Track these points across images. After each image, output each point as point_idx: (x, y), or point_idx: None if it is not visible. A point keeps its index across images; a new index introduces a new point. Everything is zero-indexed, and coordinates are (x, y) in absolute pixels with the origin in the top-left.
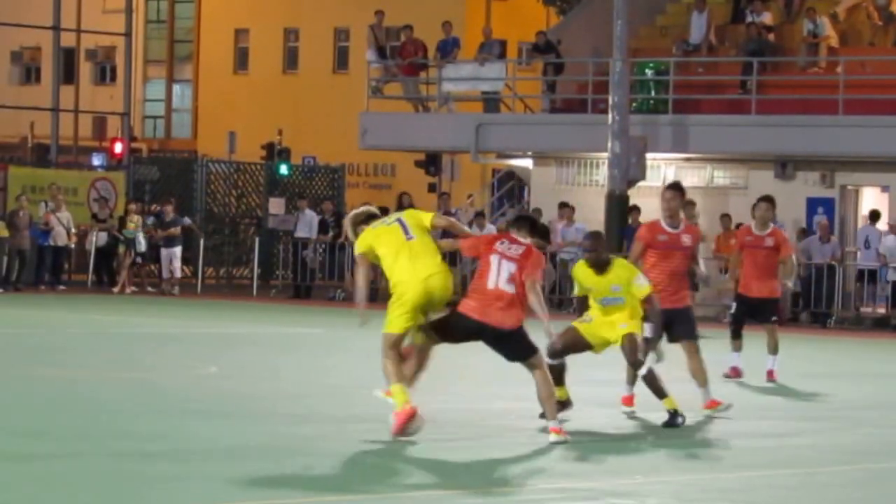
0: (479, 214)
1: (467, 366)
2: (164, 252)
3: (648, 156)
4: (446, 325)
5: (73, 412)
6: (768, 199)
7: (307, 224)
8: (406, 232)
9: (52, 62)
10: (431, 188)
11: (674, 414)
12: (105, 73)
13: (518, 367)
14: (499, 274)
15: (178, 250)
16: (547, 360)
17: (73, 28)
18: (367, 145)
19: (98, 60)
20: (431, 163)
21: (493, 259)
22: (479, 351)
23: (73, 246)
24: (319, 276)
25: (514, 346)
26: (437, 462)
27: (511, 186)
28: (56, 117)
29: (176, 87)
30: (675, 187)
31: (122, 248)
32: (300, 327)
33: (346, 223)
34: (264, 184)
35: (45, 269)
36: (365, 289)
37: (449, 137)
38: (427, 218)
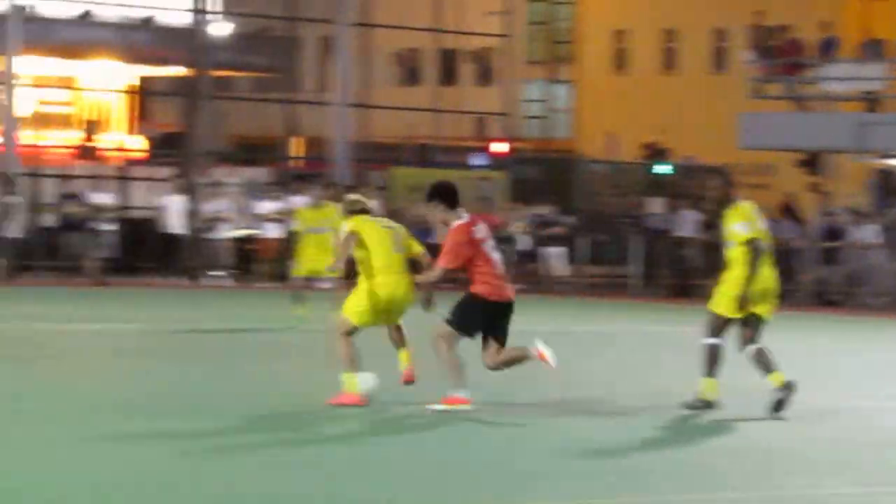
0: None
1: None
2: (545, 251)
3: None
4: (469, 320)
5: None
6: None
7: (687, 223)
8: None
9: (433, 64)
10: (812, 188)
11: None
12: (485, 74)
13: None
14: (496, 256)
15: (559, 249)
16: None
17: (453, 30)
18: (746, 145)
19: (478, 61)
20: (813, 163)
21: (486, 247)
22: None
23: None
24: (699, 275)
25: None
26: None
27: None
28: (438, 118)
29: (555, 88)
30: None
31: (502, 247)
32: (682, 325)
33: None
34: (644, 183)
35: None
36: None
37: (829, 137)
38: (415, 247)
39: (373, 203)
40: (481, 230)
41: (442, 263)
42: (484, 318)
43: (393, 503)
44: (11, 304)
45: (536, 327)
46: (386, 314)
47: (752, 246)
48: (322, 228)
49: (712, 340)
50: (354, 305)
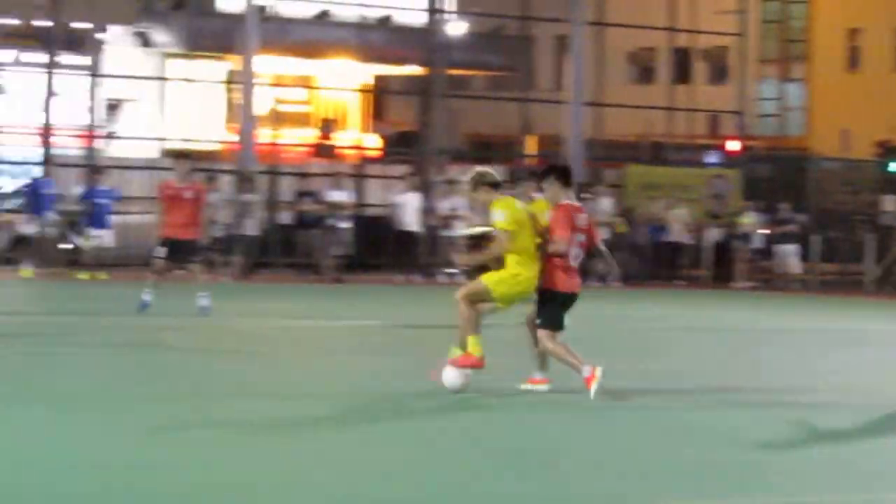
0: None
1: None
2: (779, 249)
3: None
4: (555, 315)
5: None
6: None
7: None
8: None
9: (667, 62)
10: None
11: None
12: (719, 73)
13: None
14: (576, 250)
15: (793, 247)
16: None
17: (687, 29)
18: None
19: (712, 60)
20: None
21: (574, 237)
22: None
23: (689, 242)
24: None
25: None
26: None
27: None
28: (671, 116)
29: (789, 86)
30: None
31: (736, 245)
32: None
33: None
34: (878, 181)
35: (661, 265)
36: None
37: None
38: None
39: (606, 201)
40: (582, 219)
41: (562, 234)
42: (562, 308)
43: (622, 498)
44: (249, 300)
45: (767, 324)
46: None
47: None
48: None
49: None
50: (505, 287)
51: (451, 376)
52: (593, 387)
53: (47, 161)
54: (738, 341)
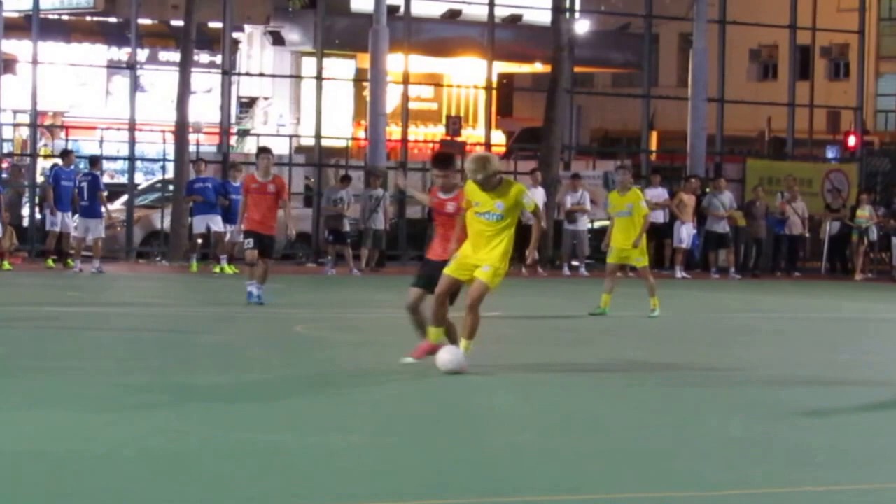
0: None
1: None
2: (895, 240)
3: None
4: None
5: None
6: None
7: None
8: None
9: (788, 59)
10: None
11: None
12: (839, 69)
13: None
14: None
15: None
16: None
17: (808, 27)
18: None
19: (832, 57)
20: None
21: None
22: None
23: (807, 234)
24: None
25: None
26: None
27: None
28: (792, 112)
29: None
30: None
31: (854, 237)
32: None
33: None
34: None
35: (781, 257)
36: None
37: None
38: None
39: (727, 194)
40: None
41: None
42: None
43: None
44: (372, 292)
45: (884, 315)
46: None
47: None
48: (625, 212)
49: None
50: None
51: (444, 359)
52: (410, 360)
53: (182, 158)
54: (850, 329)
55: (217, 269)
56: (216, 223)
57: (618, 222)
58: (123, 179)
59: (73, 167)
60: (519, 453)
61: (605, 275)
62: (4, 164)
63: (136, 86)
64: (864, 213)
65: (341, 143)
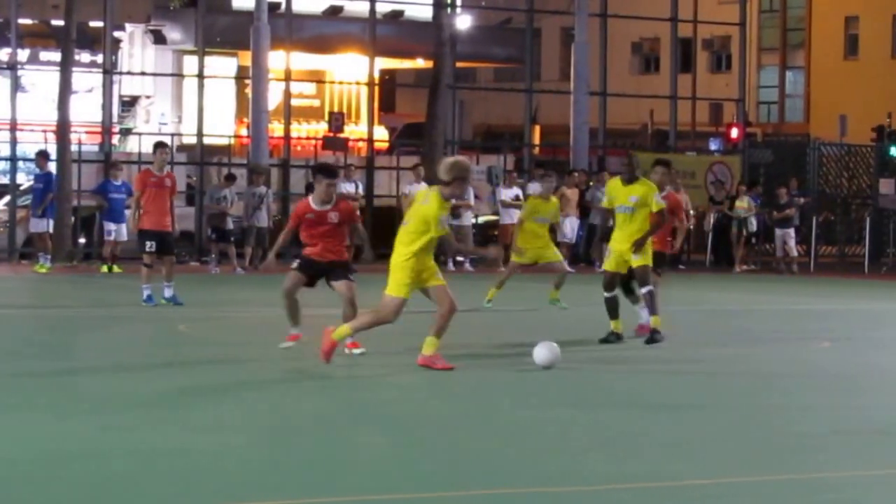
0: None
1: None
2: (778, 232)
3: None
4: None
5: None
6: None
7: None
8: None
9: (670, 52)
10: None
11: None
12: (721, 62)
13: None
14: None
15: (791, 231)
16: None
17: (689, 19)
18: None
19: (714, 49)
20: None
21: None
22: None
23: (691, 227)
24: None
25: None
26: None
27: None
28: (674, 104)
29: (788, 74)
30: None
31: (734, 229)
32: None
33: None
34: (874, 165)
35: None
36: None
37: None
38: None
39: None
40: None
41: None
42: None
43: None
44: (256, 290)
45: (767, 306)
46: None
47: None
48: (544, 219)
49: None
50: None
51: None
52: (289, 344)
53: (64, 158)
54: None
55: (105, 269)
56: (121, 233)
57: (534, 227)
58: (5, 180)
59: None
60: (399, 451)
61: (492, 270)
62: None
63: (16, 86)
64: (743, 204)
65: (224, 142)
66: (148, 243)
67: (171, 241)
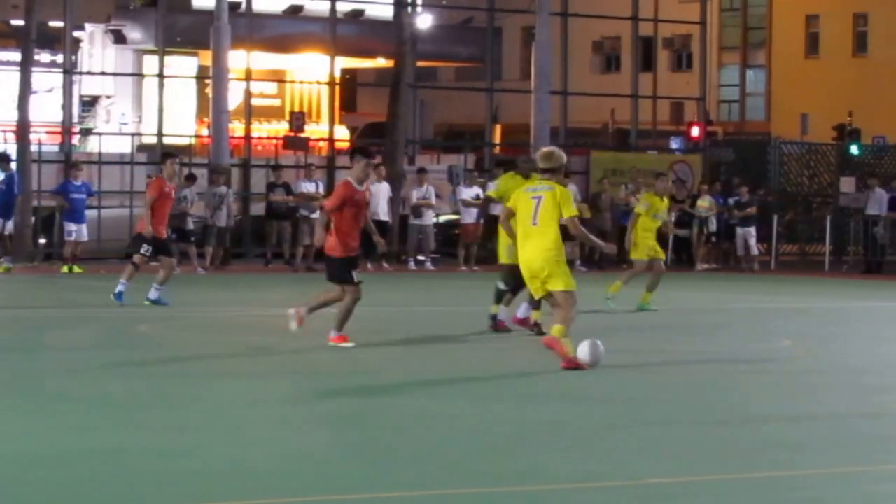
0: None
1: None
2: (739, 231)
3: None
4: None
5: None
6: None
7: (877, 201)
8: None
9: (631, 51)
10: None
11: None
12: (682, 61)
13: None
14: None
15: (752, 230)
16: None
17: (650, 18)
18: None
19: (675, 48)
20: None
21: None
22: None
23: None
24: (890, 251)
25: None
26: None
27: None
28: (635, 103)
29: (749, 73)
30: None
31: (695, 228)
32: (872, 301)
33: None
34: (836, 163)
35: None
36: None
37: None
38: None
39: (572, 186)
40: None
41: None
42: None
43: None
44: (217, 290)
45: (728, 305)
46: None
47: None
48: (659, 216)
49: None
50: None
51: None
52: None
53: (24, 157)
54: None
55: (65, 269)
56: (82, 233)
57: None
58: None
59: None
60: (352, 452)
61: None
62: None
63: None
64: (704, 203)
65: (184, 141)
66: (145, 247)
67: (170, 245)
